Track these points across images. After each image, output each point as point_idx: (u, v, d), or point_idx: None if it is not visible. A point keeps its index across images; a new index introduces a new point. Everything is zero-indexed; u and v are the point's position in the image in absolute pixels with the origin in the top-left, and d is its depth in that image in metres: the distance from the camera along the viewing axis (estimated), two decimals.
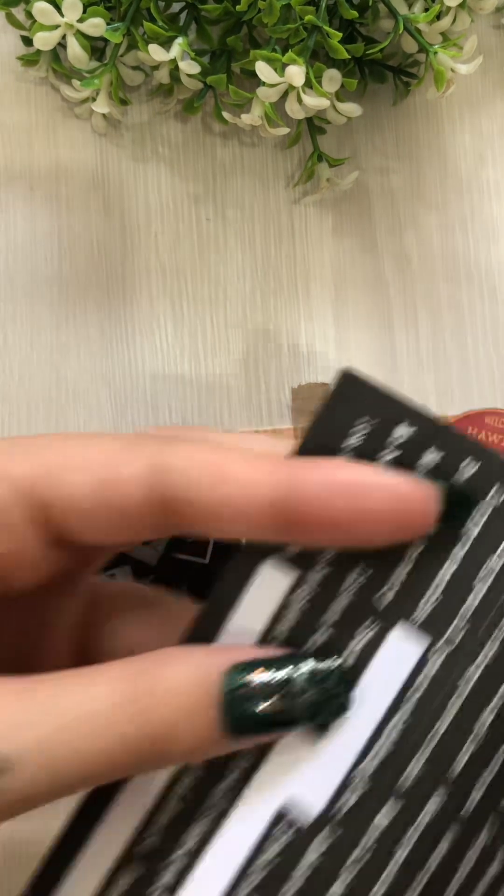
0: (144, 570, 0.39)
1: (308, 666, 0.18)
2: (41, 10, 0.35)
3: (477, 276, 0.41)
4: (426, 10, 0.37)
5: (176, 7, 0.38)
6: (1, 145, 0.41)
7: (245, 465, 0.18)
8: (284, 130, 0.37)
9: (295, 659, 0.18)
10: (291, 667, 0.18)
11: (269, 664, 0.18)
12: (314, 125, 0.40)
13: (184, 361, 0.40)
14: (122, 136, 0.41)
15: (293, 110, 0.36)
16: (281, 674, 0.18)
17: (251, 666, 0.18)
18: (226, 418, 0.40)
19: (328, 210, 0.41)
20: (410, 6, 0.37)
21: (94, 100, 0.39)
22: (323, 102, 0.35)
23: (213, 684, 0.18)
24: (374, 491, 0.18)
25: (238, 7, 0.35)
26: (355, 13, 0.35)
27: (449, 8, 0.36)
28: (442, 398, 0.40)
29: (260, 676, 0.18)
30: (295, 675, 0.18)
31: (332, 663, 0.19)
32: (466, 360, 0.40)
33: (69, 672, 0.18)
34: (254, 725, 0.18)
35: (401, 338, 0.41)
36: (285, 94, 0.36)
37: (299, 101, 0.36)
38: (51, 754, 0.17)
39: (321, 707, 0.18)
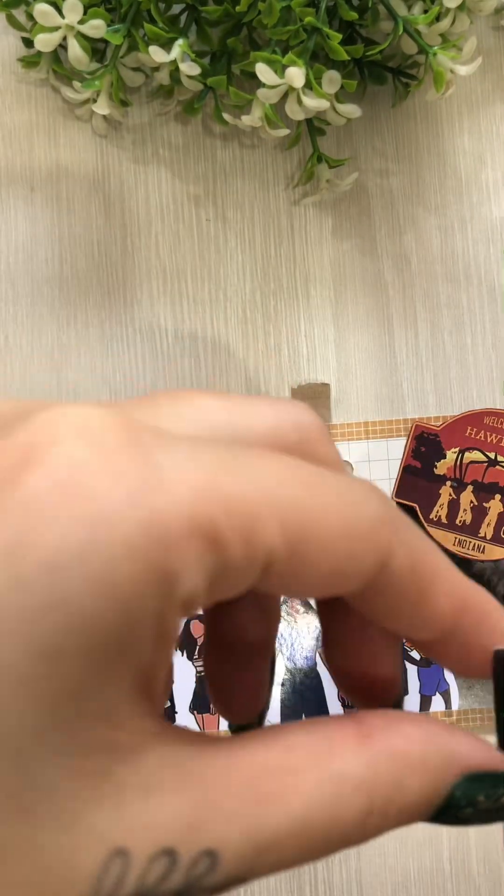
0: None
1: None
2: (42, 11, 0.36)
3: (476, 277, 0.41)
4: (425, 11, 0.37)
5: (176, 9, 0.39)
6: (2, 146, 0.41)
7: (449, 593, 0.17)
8: (284, 132, 0.38)
9: None
10: None
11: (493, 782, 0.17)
12: (314, 126, 0.40)
13: (184, 361, 0.40)
14: (123, 137, 0.41)
15: (293, 112, 0.36)
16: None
17: (481, 786, 0.17)
18: None
19: (328, 211, 0.41)
20: (410, 8, 0.37)
21: (94, 101, 0.39)
22: (323, 104, 0.36)
23: (446, 782, 0.17)
24: None
25: (238, 8, 0.35)
26: (355, 15, 0.36)
27: (448, 9, 0.36)
28: (441, 398, 0.40)
29: (485, 793, 0.17)
30: None
31: None
32: (466, 360, 0.41)
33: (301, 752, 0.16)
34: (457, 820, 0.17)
35: (400, 338, 0.41)
36: (285, 96, 0.36)
37: (299, 102, 0.36)
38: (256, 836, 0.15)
39: None
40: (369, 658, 0.20)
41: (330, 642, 0.20)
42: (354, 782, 0.16)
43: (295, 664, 0.39)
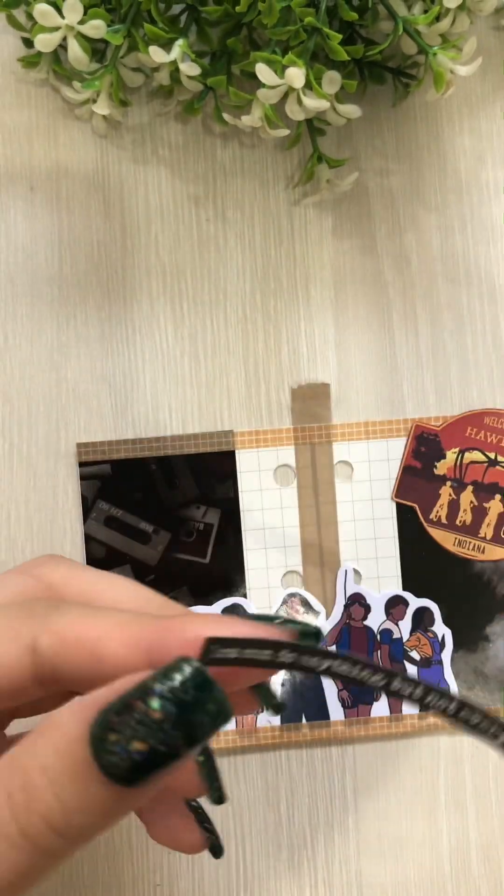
0: (144, 569, 0.39)
1: (159, 686, 0.18)
2: (42, 11, 0.36)
3: (476, 277, 0.41)
4: (425, 11, 0.37)
5: (176, 9, 0.39)
6: (1, 146, 0.41)
7: (118, 643, 0.20)
8: (284, 132, 0.38)
9: (143, 685, 0.18)
10: (141, 696, 0.18)
11: (120, 704, 0.18)
12: (314, 126, 0.40)
13: (184, 361, 0.40)
14: (123, 137, 0.41)
15: (293, 112, 0.36)
16: (137, 708, 0.18)
17: (106, 713, 0.18)
18: (226, 418, 0.40)
19: (328, 211, 0.41)
20: (410, 8, 0.37)
21: (94, 101, 0.39)
22: (323, 104, 0.35)
23: (80, 751, 0.18)
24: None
25: (238, 9, 0.35)
26: (355, 15, 0.36)
27: (448, 9, 0.36)
28: (441, 398, 0.40)
29: (117, 720, 0.18)
30: (149, 702, 0.18)
31: (185, 668, 0.18)
32: (466, 360, 0.41)
33: None
34: (131, 770, 0.18)
35: (400, 338, 0.41)
36: (285, 96, 0.36)
37: (299, 102, 0.36)
38: None
39: (192, 724, 0.18)
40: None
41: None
42: None
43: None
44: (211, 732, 0.18)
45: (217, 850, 0.25)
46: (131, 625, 0.20)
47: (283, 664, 0.19)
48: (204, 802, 0.24)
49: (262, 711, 0.23)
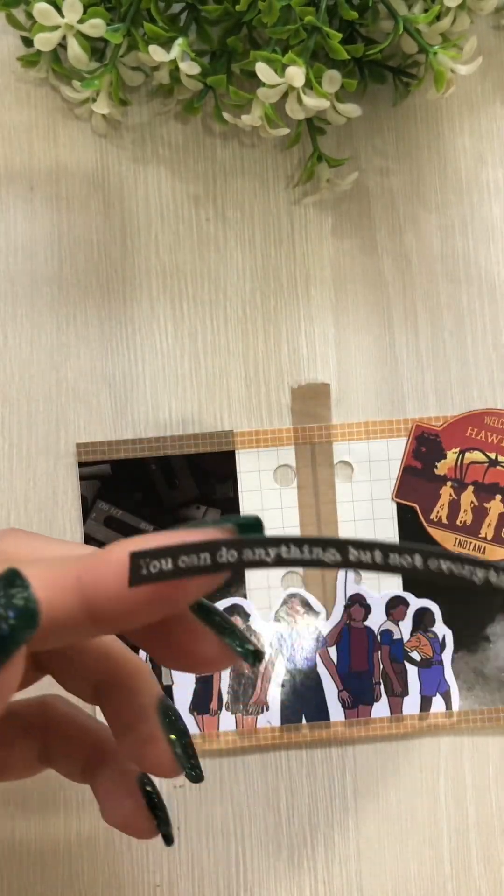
0: None
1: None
2: (41, 10, 0.35)
3: (476, 277, 0.41)
4: (426, 10, 0.37)
5: (176, 8, 0.38)
6: (1, 146, 0.41)
7: (43, 588, 0.20)
8: (284, 131, 0.37)
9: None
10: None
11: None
12: (314, 126, 0.40)
13: (184, 361, 0.40)
14: (122, 136, 0.41)
15: (293, 111, 0.36)
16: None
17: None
18: (226, 418, 0.40)
19: (328, 211, 0.41)
20: (410, 7, 0.37)
21: (94, 100, 0.39)
22: (323, 103, 0.35)
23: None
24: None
25: (238, 7, 0.35)
26: (355, 14, 0.35)
27: (449, 9, 0.36)
28: (442, 398, 0.40)
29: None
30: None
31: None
32: (466, 360, 0.40)
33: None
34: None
35: (401, 338, 0.41)
36: (285, 95, 0.36)
37: (299, 101, 0.36)
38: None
39: None
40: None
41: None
42: None
43: (295, 664, 0.39)
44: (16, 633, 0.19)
45: (168, 839, 0.25)
46: (53, 567, 0.20)
47: (225, 564, 0.18)
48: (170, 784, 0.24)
49: (244, 663, 0.22)
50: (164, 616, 0.21)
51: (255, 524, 0.20)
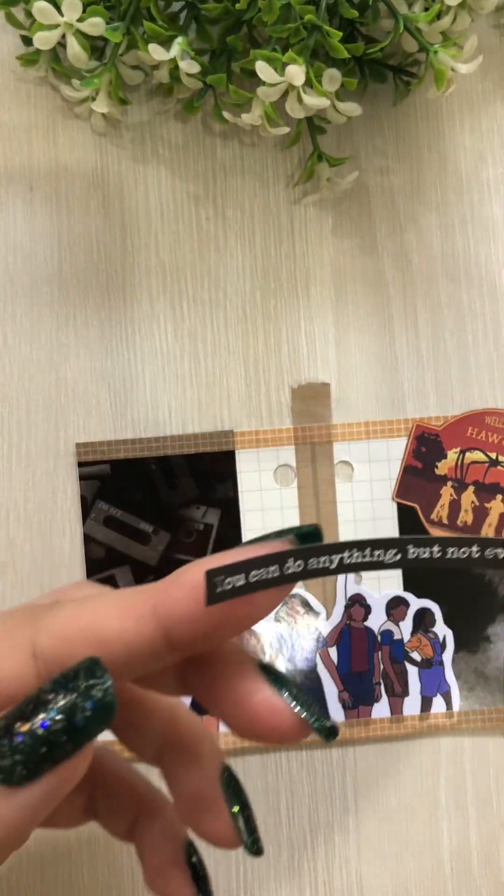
0: (144, 570, 0.39)
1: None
2: (41, 9, 0.35)
3: (477, 276, 0.41)
4: (426, 9, 0.37)
5: (176, 6, 0.38)
6: (0, 145, 0.41)
7: (117, 618, 0.20)
8: (284, 130, 0.37)
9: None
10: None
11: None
12: (314, 125, 0.40)
13: (184, 361, 0.40)
14: (122, 135, 0.41)
15: (293, 110, 0.36)
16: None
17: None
18: (226, 418, 0.40)
19: (328, 210, 0.41)
20: (410, 5, 0.37)
21: (93, 99, 0.39)
22: (323, 102, 0.35)
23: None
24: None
25: (238, 6, 0.35)
26: (355, 12, 0.35)
27: (449, 7, 0.36)
28: (442, 398, 0.40)
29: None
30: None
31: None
32: (466, 359, 0.40)
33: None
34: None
35: (401, 337, 0.41)
36: (285, 94, 0.36)
37: (299, 100, 0.35)
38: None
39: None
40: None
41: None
42: None
43: (295, 665, 0.39)
44: (96, 724, 0.19)
45: None
46: (126, 598, 0.20)
47: (293, 575, 0.19)
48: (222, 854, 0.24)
49: (318, 737, 0.22)
50: (238, 633, 0.21)
51: (315, 533, 0.20)
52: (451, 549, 0.18)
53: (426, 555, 0.18)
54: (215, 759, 0.24)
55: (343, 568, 0.18)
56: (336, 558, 0.18)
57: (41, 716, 0.18)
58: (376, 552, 0.18)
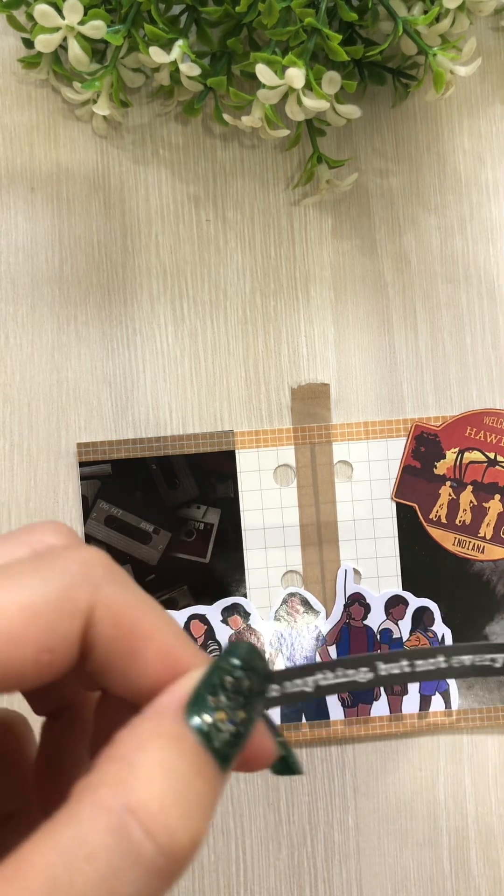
0: (145, 569, 0.39)
1: (235, 660, 0.19)
2: (42, 12, 0.36)
3: (476, 277, 0.41)
4: (425, 12, 0.37)
5: (176, 9, 0.39)
6: (2, 147, 0.41)
7: (156, 653, 0.19)
8: (284, 132, 0.38)
9: (220, 666, 0.19)
10: (228, 672, 0.19)
11: (211, 685, 0.18)
12: (314, 127, 0.40)
13: (184, 361, 0.40)
14: (123, 137, 0.41)
15: (293, 112, 0.36)
16: (229, 683, 0.19)
17: (201, 699, 0.18)
18: (226, 418, 0.40)
19: (328, 211, 0.41)
20: (410, 8, 0.37)
21: (94, 102, 0.39)
22: (323, 104, 0.36)
23: (183, 732, 0.18)
24: None
25: (238, 9, 0.35)
26: (355, 15, 0.36)
27: (448, 10, 0.36)
28: (441, 398, 0.40)
29: (216, 700, 0.18)
30: (237, 675, 0.19)
31: (242, 644, 0.19)
32: (465, 360, 0.41)
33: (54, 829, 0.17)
34: (234, 744, 0.18)
35: (400, 338, 0.41)
36: (285, 96, 0.36)
37: (299, 102, 0.36)
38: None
39: (265, 686, 0.19)
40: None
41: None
42: None
43: (295, 663, 0.39)
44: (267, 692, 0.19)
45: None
46: (175, 642, 0.19)
47: (273, 700, 0.19)
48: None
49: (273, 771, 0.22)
50: None
51: (250, 651, 0.20)
52: (419, 663, 0.19)
53: (396, 670, 0.19)
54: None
55: (320, 691, 0.19)
56: (311, 680, 0.19)
57: (241, 701, 0.18)
58: (348, 673, 0.19)
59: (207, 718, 0.18)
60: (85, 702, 0.22)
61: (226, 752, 0.18)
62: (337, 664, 0.19)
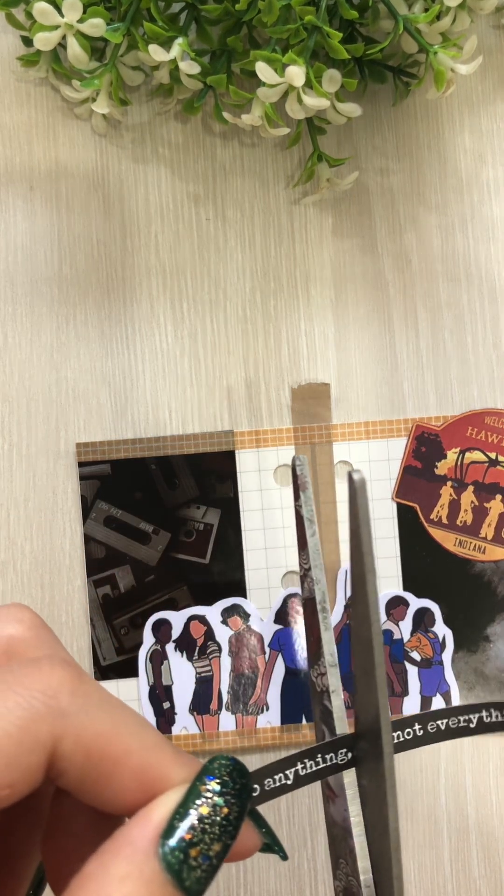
0: (144, 569, 0.39)
1: (207, 783, 0.18)
2: (41, 10, 0.35)
3: (476, 276, 0.41)
4: (426, 10, 0.37)
5: (176, 7, 0.38)
6: (1, 145, 0.41)
7: (130, 777, 0.19)
8: (284, 130, 0.37)
9: (195, 791, 0.18)
10: (203, 801, 0.18)
11: (179, 812, 0.18)
12: (314, 125, 0.40)
13: (184, 361, 0.40)
14: (122, 136, 0.41)
15: (293, 110, 0.36)
16: (197, 808, 0.18)
17: (175, 833, 0.18)
18: (226, 418, 0.40)
19: (328, 210, 0.41)
20: (410, 6, 0.37)
21: (94, 100, 0.39)
22: (323, 102, 0.35)
23: (154, 870, 0.17)
24: None
25: (238, 7, 0.35)
26: (355, 13, 0.35)
27: (449, 8, 0.36)
28: (442, 398, 0.40)
29: (192, 833, 0.18)
30: (215, 803, 0.18)
31: (222, 762, 0.19)
32: (466, 359, 0.40)
33: None
34: (208, 878, 0.18)
35: (401, 338, 0.41)
36: (285, 95, 0.36)
37: (299, 101, 0.36)
38: None
39: (244, 807, 0.18)
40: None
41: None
42: None
43: (295, 664, 0.39)
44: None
45: None
46: (150, 758, 0.18)
47: (257, 797, 0.19)
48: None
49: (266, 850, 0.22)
50: None
51: (236, 767, 0.19)
52: (395, 734, 0.19)
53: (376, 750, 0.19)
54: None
55: (301, 780, 0.19)
56: (291, 772, 0.19)
57: (216, 833, 0.18)
58: (328, 757, 0.19)
59: (179, 856, 0.17)
60: (41, 790, 0.21)
61: (197, 888, 0.17)
62: (316, 751, 0.19)
